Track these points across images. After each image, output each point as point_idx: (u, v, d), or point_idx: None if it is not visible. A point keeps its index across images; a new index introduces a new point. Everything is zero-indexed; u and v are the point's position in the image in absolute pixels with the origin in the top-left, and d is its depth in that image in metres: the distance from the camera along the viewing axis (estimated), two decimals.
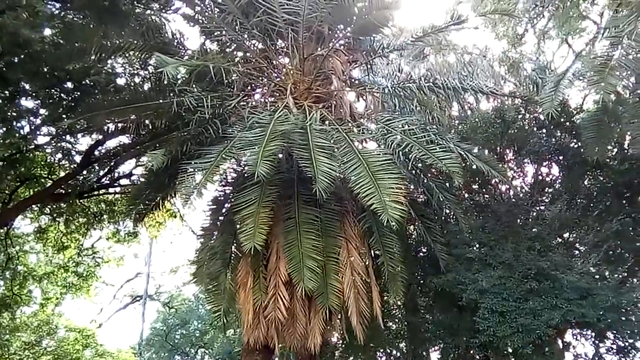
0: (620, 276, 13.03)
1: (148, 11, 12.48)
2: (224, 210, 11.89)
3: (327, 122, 10.80)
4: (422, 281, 14.59)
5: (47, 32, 11.84)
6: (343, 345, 14.96)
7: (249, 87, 12.40)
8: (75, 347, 23.45)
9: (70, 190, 16.10)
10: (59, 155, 15.97)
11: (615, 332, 12.66)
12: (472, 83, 11.94)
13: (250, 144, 9.25)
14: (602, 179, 14.68)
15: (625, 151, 13.89)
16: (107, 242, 21.46)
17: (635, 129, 11.59)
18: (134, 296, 32.36)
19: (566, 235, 14.75)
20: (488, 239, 13.34)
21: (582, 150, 14.11)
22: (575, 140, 14.78)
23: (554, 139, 15.01)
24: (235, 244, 11.22)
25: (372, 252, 11.85)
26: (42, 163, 16.35)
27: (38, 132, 14.60)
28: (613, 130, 13.01)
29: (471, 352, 13.83)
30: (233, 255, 11.46)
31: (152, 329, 32.86)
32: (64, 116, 12.77)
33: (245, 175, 10.25)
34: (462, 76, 12.11)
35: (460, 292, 12.52)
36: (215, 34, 12.18)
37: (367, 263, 11.54)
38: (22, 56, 11.34)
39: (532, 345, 11.70)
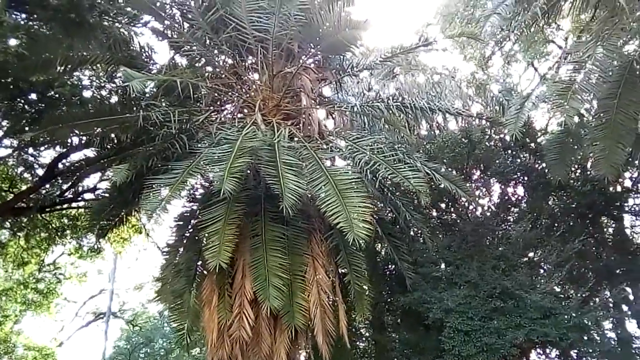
0: (583, 295, 13.23)
1: (116, 24, 12.33)
2: (189, 227, 11.71)
3: (295, 140, 10.77)
4: (389, 300, 14.59)
5: (12, 42, 11.60)
6: None
7: (218, 103, 12.32)
8: None
9: (31, 204, 15.69)
10: (21, 168, 15.58)
11: (577, 350, 12.84)
12: (439, 103, 12.12)
13: (218, 160, 9.15)
14: (565, 199, 14.99)
15: (588, 173, 14.21)
16: (70, 258, 20.95)
17: (597, 151, 11.87)
18: (97, 313, 31.44)
19: (530, 254, 14.94)
20: (454, 257, 13.44)
21: (546, 171, 14.40)
22: (539, 162, 15.06)
23: (519, 160, 15.30)
24: (200, 261, 11.04)
25: (339, 270, 11.79)
26: (3, 176, 15.91)
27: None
28: (575, 152, 13.31)
29: None
30: (198, 272, 11.24)
31: (116, 347, 32.07)
32: (26, 128, 12.48)
33: (212, 191, 10.12)
34: (431, 96, 12.28)
35: (426, 311, 12.55)
36: (185, 48, 12.06)
37: (333, 281, 11.46)
38: None
39: None
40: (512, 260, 13.47)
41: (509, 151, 15.47)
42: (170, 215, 11.16)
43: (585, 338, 12.32)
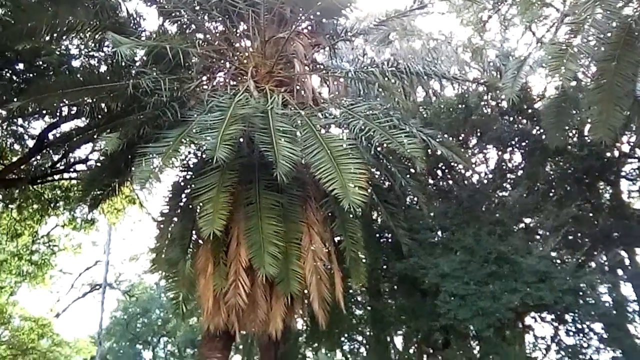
0: (578, 260, 13.27)
1: None
2: (183, 196, 11.59)
3: (289, 107, 10.59)
4: (385, 266, 14.61)
5: None
6: (307, 332, 14.91)
7: (209, 70, 12.08)
8: (30, 336, 22.83)
9: (22, 176, 15.51)
10: (11, 140, 15.36)
11: (573, 314, 12.94)
12: (435, 69, 11.92)
13: (210, 128, 8.99)
14: (562, 165, 14.90)
15: (585, 138, 14.11)
16: (64, 230, 20.85)
17: (594, 115, 11.75)
18: (93, 285, 31.60)
19: (527, 220, 14.95)
20: (450, 223, 13.43)
21: (543, 136, 14.28)
22: (536, 127, 14.94)
23: (516, 126, 15.17)
24: (194, 230, 10.95)
25: (335, 237, 11.74)
26: None
27: None
28: (573, 116, 13.20)
29: (433, 335, 13.95)
30: (193, 241, 11.18)
31: (112, 318, 32.35)
32: (14, 99, 12.23)
33: (206, 159, 9.99)
34: (427, 62, 12.08)
35: (422, 277, 12.58)
36: (174, 15, 11.80)
37: (329, 249, 11.42)
38: None
39: (493, 328, 11.85)
40: (508, 226, 13.48)
41: (506, 117, 15.33)
42: (164, 185, 11.04)
43: (581, 302, 12.39)
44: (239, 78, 11.52)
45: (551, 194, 14.88)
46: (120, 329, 31.85)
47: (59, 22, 10.86)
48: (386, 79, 11.59)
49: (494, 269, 12.22)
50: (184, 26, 12.35)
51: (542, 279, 11.96)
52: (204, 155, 11.12)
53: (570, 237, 14.36)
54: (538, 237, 15.11)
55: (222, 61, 11.93)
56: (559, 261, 13.77)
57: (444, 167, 15.46)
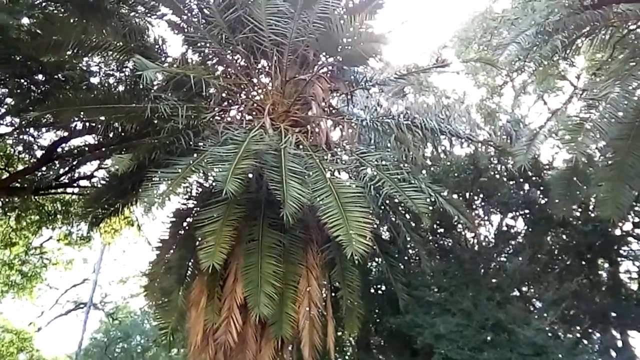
0: (575, 336, 13.03)
1: (133, 13, 12.21)
2: (184, 225, 11.50)
3: (301, 147, 10.61)
4: (378, 320, 14.34)
5: (26, 20, 11.47)
6: None
7: (227, 103, 12.16)
8: (9, 349, 22.32)
9: (26, 185, 15.45)
10: (20, 148, 15.37)
11: None
12: (449, 127, 12.00)
13: (222, 160, 8.96)
14: (565, 237, 14.84)
15: (590, 213, 14.08)
16: (57, 244, 20.61)
17: (603, 192, 11.76)
18: (77, 303, 31.02)
19: (525, 289, 14.77)
20: (449, 284, 13.26)
21: (548, 206, 14.27)
22: (542, 196, 14.94)
23: (522, 192, 15.15)
24: (192, 261, 10.81)
25: (332, 284, 11.57)
26: (1, 154, 15.68)
27: (1, 122, 14.04)
28: (581, 190, 13.19)
29: None
30: (189, 271, 11.02)
31: (93, 339, 31.63)
32: (30, 108, 12.29)
33: (212, 191, 9.94)
34: (440, 118, 12.14)
35: (416, 335, 12.32)
36: (199, 44, 11.97)
37: (325, 295, 11.25)
38: None
39: None
40: (507, 293, 13.30)
41: (513, 182, 15.33)
42: (165, 210, 10.95)
43: None
44: (255, 114, 11.57)
45: (552, 266, 14.74)
46: (99, 351, 31.10)
47: (86, 39, 10.99)
48: (400, 131, 11.63)
49: (490, 337, 11.99)
50: (207, 57, 12.52)
51: (539, 352, 11.70)
52: (211, 186, 11.10)
53: (568, 312, 14.15)
54: (535, 308, 14.89)
55: (241, 95, 12.02)
56: (554, 336, 13.52)
57: (446, 226, 15.37)
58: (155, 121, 10.35)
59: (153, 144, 10.37)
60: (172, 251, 11.32)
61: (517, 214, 15.51)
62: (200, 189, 11.80)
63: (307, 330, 10.11)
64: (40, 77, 12.65)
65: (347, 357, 15.72)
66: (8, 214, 17.25)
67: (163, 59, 11.91)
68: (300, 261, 10.56)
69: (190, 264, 10.96)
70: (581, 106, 12.53)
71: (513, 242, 15.55)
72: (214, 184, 9.85)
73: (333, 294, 11.42)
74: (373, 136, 12.38)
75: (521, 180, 15.21)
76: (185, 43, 12.22)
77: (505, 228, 15.67)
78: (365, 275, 13.61)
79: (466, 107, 17.58)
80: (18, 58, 11.55)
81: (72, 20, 11.48)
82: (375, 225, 11.93)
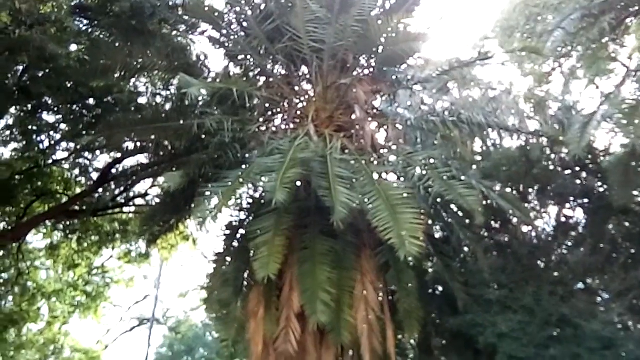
0: None
1: (174, 32, 12.51)
2: (237, 236, 11.64)
3: (347, 152, 10.60)
4: (437, 321, 14.09)
5: (73, 48, 11.93)
6: None
7: (270, 113, 12.28)
8: None
9: (85, 208, 16.03)
10: (76, 172, 15.97)
11: None
12: (497, 120, 11.72)
13: (269, 170, 9.07)
14: (627, 224, 14.21)
15: None
16: (118, 262, 21.26)
17: None
18: (141, 319, 31.94)
19: (589, 281, 14.22)
20: (508, 280, 12.88)
21: (607, 194, 13.73)
22: (600, 184, 14.39)
23: (578, 181, 14.62)
24: (248, 272, 10.92)
25: (388, 287, 11.47)
26: (59, 178, 16.33)
27: (57, 147, 14.64)
28: None
29: None
30: (245, 283, 11.14)
31: (158, 354, 32.39)
32: (84, 132, 12.76)
33: (262, 201, 10.05)
34: (487, 112, 11.87)
35: (477, 335, 12.04)
36: (240, 57, 12.15)
37: (381, 299, 11.15)
38: (47, 70, 11.42)
39: None
40: (570, 286, 12.84)
41: (568, 171, 14.81)
42: (218, 223, 11.12)
43: None
44: (299, 122, 11.63)
45: (616, 255, 14.13)
46: None
47: (132, 61, 11.33)
48: (447, 128, 11.44)
49: (555, 333, 11.60)
50: (248, 69, 12.68)
51: (608, 345, 11.22)
52: (260, 197, 11.21)
53: (637, 302, 13.51)
54: (601, 300, 14.31)
55: (283, 104, 12.11)
56: (623, 327, 12.96)
57: (501, 221, 14.98)
58: (203, 136, 10.57)
59: (202, 159, 10.55)
60: (227, 263, 11.49)
61: (575, 204, 14.94)
62: (250, 200, 11.92)
63: (366, 336, 10.03)
64: (91, 101, 13.12)
65: None
66: (69, 236, 17.91)
67: (206, 75, 12.19)
68: (354, 266, 10.52)
69: (246, 275, 11.08)
70: (635, 88, 12.04)
71: (573, 234, 14.99)
72: (263, 194, 9.94)
73: (390, 298, 11.32)
74: (419, 135, 12.20)
75: (577, 169, 14.65)
76: (226, 57, 12.46)
77: (563, 219, 15.12)
78: (421, 277, 13.39)
79: (514, 98, 17.10)
80: (69, 85, 11.99)
81: (117, 45, 11.86)
82: (427, 226, 11.73)
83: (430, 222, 12.57)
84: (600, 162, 14.57)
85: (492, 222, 14.95)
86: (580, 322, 11.59)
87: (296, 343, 9.75)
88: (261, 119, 11.57)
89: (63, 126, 13.88)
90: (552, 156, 15.20)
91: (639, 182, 13.01)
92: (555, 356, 11.29)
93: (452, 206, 12.46)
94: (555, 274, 13.35)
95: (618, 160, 13.15)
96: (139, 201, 17.20)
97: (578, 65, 17.34)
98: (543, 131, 14.12)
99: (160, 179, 14.81)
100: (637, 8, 11.41)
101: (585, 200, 14.62)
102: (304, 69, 12.05)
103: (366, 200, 9.21)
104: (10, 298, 19.57)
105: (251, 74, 12.61)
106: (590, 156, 14.30)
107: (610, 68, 18.41)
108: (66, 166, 16.08)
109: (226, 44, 12.16)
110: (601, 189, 14.30)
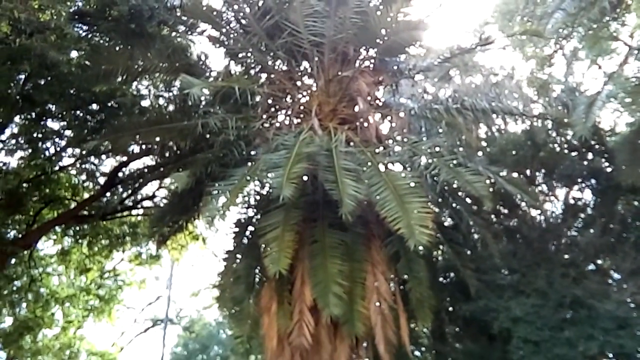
0: None
1: (174, 33, 12.52)
2: (247, 233, 11.68)
3: (352, 144, 10.60)
4: (450, 308, 14.13)
5: (74, 54, 11.95)
6: None
7: (274, 109, 12.27)
8: None
9: (93, 212, 16.10)
10: (83, 177, 16.05)
11: None
12: (501, 105, 11.68)
13: (275, 166, 9.06)
14: (637, 204, 14.17)
15: None
16: (129, 265, 21.37)
17: None
18: (155, 320, 32.12)
19: (600, 261, 14.19)
20: (520, 265, 12.88)
21: (615, 174, 13.69)
22: (608, 164, 14.34)
23: (586, 162, 14.57)
24: (259, 268, 10.96)
25: (399, 277, 11.48)
26: (67, 184, 16.40)
27: (63, 154, 14.69)
28: None
29: None
30: (257, 279, 11.18)
31: (173, 353, 32.59)
32: (89, 138, 12.80)
33: (270, 197, 10.06)
34: (490, 98, 11.83)
35: (491, 320, 12.05)
36: (240, 55, 12.13)
37: (393, 289, 11.17)
38: (49, 78, 11.45)
39: None
40: (582, 268, 12.82)
41: (575, 153, 14.76)
42: (227, 221, 11.18)
43: None
44: (303, 116, 11.63)
45: (626, 235, 14.09)
46: None
47: (133, 64, 11.35)
48: (450, 115, 11.41)
49: (569, 315, 11.60)
50: (249, 66, 12.67)
51: (622, 325, 11.22)
52: (267, 193, 11.23)
53: None
54: (612, 281, 14.27)
55: (286, 100, 12.11)
56: (636, 307, 12.93)
57: (509, 206, 14.96)
58: (207, 136, 10.59)
59: (208, 158, 10.57)
60: (238, 261, 11.52)
61: (583, 185, 14.91)
62: (258, 197, 11.95)
63: (380, 326, 10.04)
64: (94, 106, 13.13)
65: (423, 349, 15.55)
66: (80, 241, 18.02)
67: (208, 74, 12.16)
68: (364, 258, 10.53)
69: (257, 271, 11.13)
70: (638, 66, 11.96)
71: (582, 215, 14.95)
72: (270, 190, 9.95)
73: (401, 287, 11.34)
74: (423, 124, 12.22)
75: (583, 150, 14.61)
76: (226, 55, 12.43)
77: (572, 201, 15.09)
78: (432, 265, 13.45)
79: (517, 82, 17.05)
80: (72, 91, 12.02)
81: (117, 49, 11.87)
82: (436, 214, 11.72)
83: (438, 210, 12.59)
84: (606, 142, 14.53)
85: (501, 208, 14.96)
86: (594, 303, 11.59)
87: (310, 336, 9.78)
88: (265, 116, 11.57)
89: (68, 132, 13.90)
90: (558, 138, 15.17)
91: None
92: (570, 338, 11.30)
93: (460, 193, 12.48)
94: (566, 256, 13.34)
95: (624, 139, 13.11)
96: (147, 203, 17.24)
97: (580, 46, 17.25)
98: (548, 114, 14.08)
99: (167, 180, 14.88)
100: None
101: (593, 181, 14.59)
102: (305, 64, 12.03)
103: (373, 191, 9.19)
104: (24, 305, 19.71)
105: (252, 71, 12.59)
106: (596, 137, 14.27)
107: (612, 47, 18.30)
108: (73, 172, 16.14)
109: (226, 43, 12.14)
110: (608, 169, 14.26)
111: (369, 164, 9.82)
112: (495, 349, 12.47)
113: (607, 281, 13.52)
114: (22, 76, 11.82)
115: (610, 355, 11.56)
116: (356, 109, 11.73)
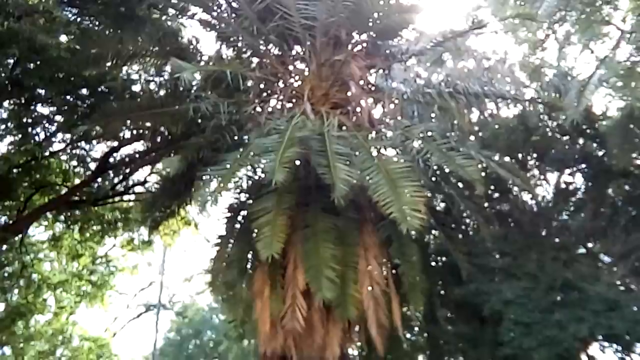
0: None
1: (164, 17, 12.38)
2: (239, 218, 11.66)
3: (345, 129, 10.58)
4: (442, 291, 14.21)
5: (63, 38, 11.79)
6: (362, 358, 14.60)
7: (266, 93, 12.21)
8: (89, 356, 23.31)
9: (85, 198, 16.02)
10: (74, 162, 15.92)
11: None
12: (493, 89, 11.68)
13: (267, 151, 9.03)
14: (627, 188, 14.26)
15: None
16: (121, 250, 21.31)
17: None
18: (147, 305, 32.15)
19: (591, 245, 14.31)
20: (511, 248, 12.97)
21: (606, 158, 13.75)
22: (599, 148, 14.40)
23: (577, 146, 14.63)
24: (251, 253, 10.97)
25: (391, 261, 11.53)
26: (57, 170, 16.27)
27: (53, 139, 14.57)
28: (639, 137, 12.66)
29: None
30: (249, 264, 11.19)
31: (166, 339, 32.74)
32: (79, 122, 12.67)
33: (262, 182, 10.05)
34: (482, 82, 11.83)
35: (482, 303, 12.15)
36: (232, 39, 12.04)
37: (385, 273, 11.22)
38: (38, 62, 11.31)
39: (560, 359, 11.30)
40: (572, 251, 12.93)
41: (567, 137, 14.80)
42: (219, 206, 11.13)
43: None
44: (295, 101, 11.58)
45: (617, 218, 14.19)
46: (174, 350, 32.19)
47: (123, 49, 11.23)
48: (443, 100, 11.40)
49: (559, 297, 11.70)
50: (241, 50, 12.57)
51: (612, 307, 11.32)
52: (259, 178, 11.21)
53: (638, 264, 13.62)
54: (602, 264, 14.41)
55: (278, 84, 12.04)
56: (626, 289, 13.08)
57: (501, 190, 15.02)
58: (199, 120, 10.54)
59: (199, 143, 10.53)
60: (230, 246, 11.50)
61: (575, 169, 14.98)
62: (250, 182, 11.92)
63: (372, 310, 10.10)
64: (84, 91, 12.99)
65: (415, 332, 15.66)
66: (71, 227, 17.93)
67: (199, 58, 12.08)
68: (357, 242, 10.57)
69: (249, 256, 11.13)
70: (630, 50, 11.97)
71: (573, 199, 15.05)
72: (263, 175, 9.93)
73: (394, 271, 11.39)
74: (415, 109, 12.17)
75: (575, 134, 14.64)
76: (218, 39, 12.35)
77: (563, 185, 15.17)
78: (424, 249, 13.50)
79: (509, 66, 17.02)
80: (61, 76, 11.88)
81: (107, 32, 11.73)
82: (428, 198, 11.75)
83: (430, 194, 12.61)
84: (598, 126, 14.56)
85: (493, 192, 15.00)
86: (584, 286, 11.70)
87: (303, 320, 9.83)
88: (257, 100, 11.51)
89: (58, 117, 13.77)
90: (550, 123, 15.20)
91: (638, 144, 13.04)
92: (561, 320, 11.41)
93: (452, 177, 12.53)
94: (557, 239, 13.45)
95: (616, 123, 13.15)
96: (139, 188, 17.13)
97: (572, 30, 17.18)
98: (540, 98, 14.07)
99: (159, 165, 14.80)
100: None
101: (584, 165, 14.66)
102: (297, 48, 11.97)
103: (366, 175, 9.21)
104: (16, 291, 19.59)
105: (244, 55, 12.52)
106: (587, 121, 14.28)
107: (604, 32, 18.27)
108: (64, 157, 16.00)
109: (217, 26, 12.04)
110: (600, 153, 14.33)
111: (362, 148, 9.85)
112: (486, 332, 12.58)
113: (597, 264, 13.66)
114: (11, 60, 11.66)
115: (600, 336, 11.71)
116: (349, 93, 11.71)
